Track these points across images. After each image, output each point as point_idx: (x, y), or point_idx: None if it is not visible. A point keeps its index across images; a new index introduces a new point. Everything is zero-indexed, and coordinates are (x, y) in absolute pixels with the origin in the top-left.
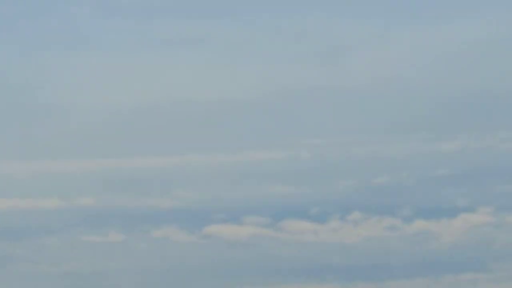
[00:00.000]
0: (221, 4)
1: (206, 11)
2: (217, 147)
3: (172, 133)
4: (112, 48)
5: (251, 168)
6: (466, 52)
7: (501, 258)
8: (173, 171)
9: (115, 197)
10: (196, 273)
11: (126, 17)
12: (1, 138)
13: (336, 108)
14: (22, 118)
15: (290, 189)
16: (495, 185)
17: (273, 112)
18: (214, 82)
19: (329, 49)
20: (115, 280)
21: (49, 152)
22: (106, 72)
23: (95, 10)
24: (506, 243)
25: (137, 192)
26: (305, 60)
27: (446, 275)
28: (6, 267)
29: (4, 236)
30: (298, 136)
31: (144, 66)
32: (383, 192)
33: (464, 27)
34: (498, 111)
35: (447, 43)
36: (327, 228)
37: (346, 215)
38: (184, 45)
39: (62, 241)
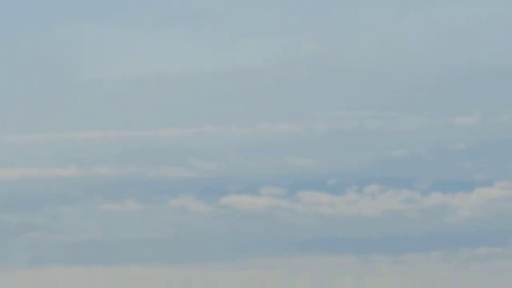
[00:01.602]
0: None
1: None
2: (234, 119)
3: (190, 104)
4: (133, 21)
5: (268, 139)
6: (483, 26)
7: None
8: (191, 142)
9: (133, 167)
10: (213, 243)
11: None
12: (22, 109)
13: (352, 81)
14: (44, 89)
15: (307, 160)
16: None
17: (288, 84)
18: (230, 53)
19: (344, 19)
20: (132, 249)
21: (69, 122)
22: (126, 45)
23: None
24: None
25: (155, 162)
26: (319, 30)
27: (462, 248)
28: (23, 236)
29: (22, 205)
30: (315, 109)
31: (163, 40)
32: (400, 165)
33: (480, 1)
34: None
35: (462, 17)
36: (344, 200)
37: (363, 188)
38: (195, 18)
39: (80, 210)
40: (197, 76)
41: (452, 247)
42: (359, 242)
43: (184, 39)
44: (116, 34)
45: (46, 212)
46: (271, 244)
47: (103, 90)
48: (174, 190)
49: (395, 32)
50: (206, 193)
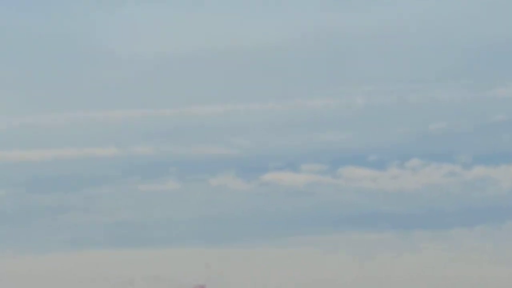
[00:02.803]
0: None
1: None
2: (272, 95)
3: (224, 81)
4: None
5: (305, 115)
6: None
7: None
8: (229, 119)
9: (172, 146)
10: (254, 221)
11: None
12: (57, 88)
13: (389, 54)
14: (78, 67)
15: (346, 136)
16: None
17: (325, 58)
18: (264, 28)
19: None
20: (171, 229)
21: (106, 101)
22: (160, 23)
23: None
24: None
25: (193, 141)
26: (356, 2)
27: (506, 221)
28: (61, 217)
29: (60, 185)
30: (352, 82)
31: (195, 17)
32: (441, 138)
33: None
34: None
35: None
36: (386, 175)
37: (404, 162)
38: None
39: (118, 190)
40: (231, 52)
41: (496, 220)
42: (400, 218)
43: (217, 15)
44: (150, 11)
45: (83, 193)
46: (311, 222)
47: (139, 68)
48: (213, 169)
49: (435, 4)
50: (246, 170)
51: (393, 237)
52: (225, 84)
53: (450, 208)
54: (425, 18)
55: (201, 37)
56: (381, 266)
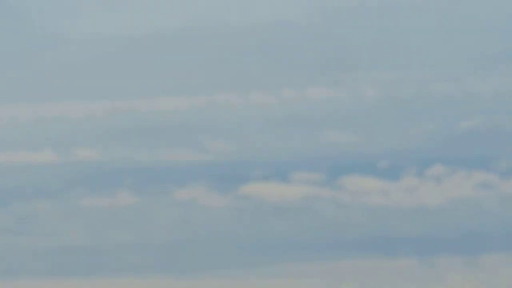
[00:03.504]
0: None
1: None
2: (255, 84)
3: (198, 66)
4: None
5: (300, 110)
6: None
7: None
8: (201, 115)
9: (125, 149)
10: (232, 245)
11: None
12: None
13: (408, 32)
14: (12, 51)
15: (352, 136)
16: None
17: (327, 39)
18: (250, 2)
19: None
20: (126, 256)
21: (40, 93)
22: None
23: None
24: None
25: (154, 142)
26: None
27: None
28: None
29: None
30: (361, 69)
31: None
32: (473, 139)
33: None
34: None
35: None
36: (401, 187)
37: (424, 170)
38: None
39: (57, 206)
40: (206, 32)
41: None
42: (421, 241)
43: None
44: None
45: (14, 210)
46: (308, 245)
47: (85, 51)
48: (180, 178)
49: None
50: (222, 181)
51: (412, 265)
52: (198, 70)
53: (484, 228)
54: None
55: (169, 14)
56: None
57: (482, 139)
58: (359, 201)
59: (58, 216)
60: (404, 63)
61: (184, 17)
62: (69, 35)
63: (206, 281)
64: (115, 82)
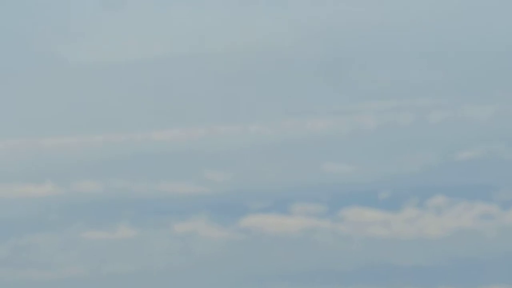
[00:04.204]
0: None
1: None
2: (256, 115)
3: (200, 96)
4: None
5: (299, 140)
6: None
7: None
8: (199, 147)
9: (124, 181)
10: (232, 278)
11: None
12: None
13: (407, 59)
14: (11, 79)
15: (351, 167)
16: None
17: (324, 66)
18: (247, 26)
19: None
20: (126, 287)
21: (39, 125)
22: (111, 23)
23: None
24: None
25: (154, 175)
26: None
27: None
28: None
29: None
30: (359, 98)
31: (160, 16)
32: (473, 168)
33: None
34: None
35: None
36: (401, 218)
37: (425, 200)
38: None
39: (57, 239)
40: (203, 59)
41: None
42: (421, 272)
43: (187, 13)
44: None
45: (11, 244)
46: (308, 277)
47: (82, 79)
48: (179, 211)
49: None
50: (221, 213)
51: None
52: (196, 101)
53: (484, 259)
54: (451, 14)
55: (166, 41)
56: None
57: (481, 168)
58: (360, 232)
59: (56, 249)
60: (403, 90)
61: (180, 42)
62: (66, 63)
63: None
64: (112, 113)
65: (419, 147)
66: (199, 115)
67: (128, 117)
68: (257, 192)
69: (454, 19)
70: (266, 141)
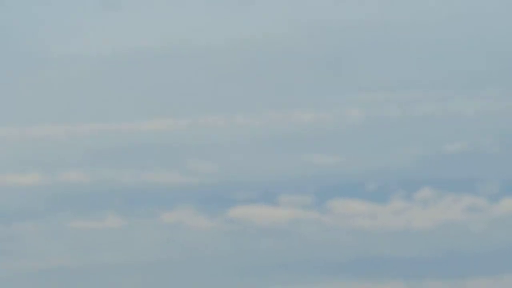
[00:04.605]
0: None
1: None
2: (242, 106)
3: (183, 88)
4: None
5: (286, 132)
6: None
7: None
8: (186, 137)
9: (111, 171)
10: (218, 268)
11: None
12: None
13: (395, 52)
14: None
15: (338, 159)
16: None
17: (311, 59)
18: (234, 20)
19: None
20: (113, 277)
21: (25, 114)
22: (98, 14)
23: None
24: None
25: (141, 165)
26: None
27: None
28: None
29: None
30: (345, 90)
31: (146, 7)
32: (461, 162)
33: None
34: None
35: None
36: (389, 210)
37: (412, 193)
38: None
39: (44, 228)
40: (190, 51)
41: None
42: (409, 264)
43: (173, 5)
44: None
45: None
46: (295, 268)
47: (69, 71)
48: (166, 201)
49: None
50: (209, 203)
51: None
52: (183, 92)
53: (471, 252)
54: (439, 9)
55: (156, 32)
56: None
57: (469, 161)
58: (347, 224)
59: (43, 238)
60: (389, 83)
61: (168, 35)
62: (53, 53)
63: None
64: (98, 103)
65: (406, 139)
66: (186, 106)
67: (115, 108)
68: (244, 183)
69: (443, 15)
70: (253, 132)
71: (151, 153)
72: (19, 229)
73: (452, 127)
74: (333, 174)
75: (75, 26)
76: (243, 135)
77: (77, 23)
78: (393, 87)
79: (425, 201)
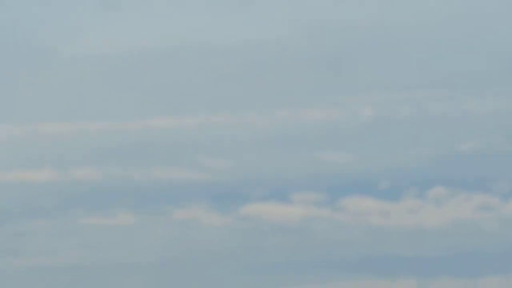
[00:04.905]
0: None
1: None
2: (255, 104)
3: (199, 85)
4: None
5: (298, 130)
6: None
7: None
8: (200, 135)
9: (124, 168)
10: (232, 265)
11: None
12: None
13: (406, 53)
14: (6, 69)
15: (350, 157)
16: None
17: (322, 58)
18: (245, 20)
19: None
20: (125, 275)
21: (38, 111)
22: (108, 14)
23: None
24: None
25: (153, 161)
26: None
27: None
28: None
29: None
30: (358, 89)
31: (156, 6)
32: (473, 161)
33: None
34: None
35: None
36: (401, 208)
37: (425, 191)
38: None
39: (56, 225)
40: (203, 50)
41: None
42: (421, 262)
43: (184, 5)
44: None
45: (10, 230)
46: (307, 266)
47: (81, 70)
48: (179, 198)
49: None
50: (222, 200)
51: (411, 286)
52: (196, 89)
53: (483, 250)
54: (450, 7)
55: (164, 32)
56: None
57: (481, 161)
58: (359, 221)
59: (55, 235)
60: (402, 82)
61: (179, 35)
62: (62, 53)
63: None
64: (108, 102)
65: (419, 138)
66: (195, 105)
67: (125, 106)
68: (257, 180)
69: (455, 15)
70: (264, 130)
71: (163, 150)
72: (30, 225)
73: (464, 125)
74: (345, 172)
75: (77, 26)
76: (254, 133)
77: (80, 23)
78: (407, 86)
79: (437, 199)
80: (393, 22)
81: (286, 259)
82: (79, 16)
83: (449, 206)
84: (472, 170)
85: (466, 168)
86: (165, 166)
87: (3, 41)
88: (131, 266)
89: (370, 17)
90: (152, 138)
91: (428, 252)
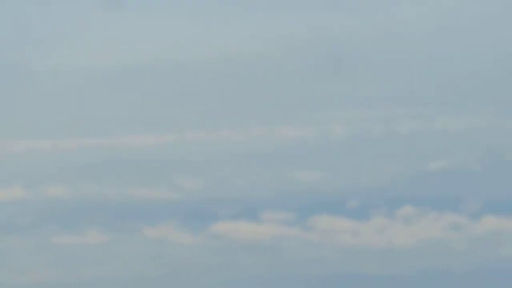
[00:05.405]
0: None
1: None
2: (226, 122)
3: (168, 104)
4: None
5: (269, 148)
6: None
7: None
8: (170, 153)
9: (95, 186)
10: (202, 283)
11: None
12: None
13: (378, 69)
14: None
15: (320, 175)
16: None
17: (295, 75)
18: (217, 35)
19: None
20: None
21: (9, 130)
22: (82, 28)
23: None
24: None
25: (125, 180)
26: (332, 4)
27: None
28: None
29: None
30: (329, 107)
31: (130, 22)
32: (442, 180)
33: None
34: None
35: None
36: (370, 227)
37: (394, 210)
38: None
39: (27, 243)
40: (174, 67)
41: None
42: (390, 280)
43: (158, 19)
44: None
45: None
46: (277, 284)
47: (53, 85)
48: (150, 216)
49: (438, 4)
50: (192, 219)
51: None
52: (167, 108)
53: (452, 269)
54: (424, 23)
55: (139, 48)
56: None
57: (450, 180)
58: (328, 240)
59: (27, 253)
60: (373, 99)
61: (153, 51)
62: (34, 68)
63: None
64: (82, 119)
65: (390, 157)
66: (171, 122)
67: (100, 123)
68: (228, 199)
69: (429, 32)
70: (237, 148)
71: (135, 168)
72: (2, 243)
73: (434, 144)
74: (315, 191)
75: (51, 41)
76: (228, 151)
77: (54, 38)
78: (378, 103)
79: (407, 218)
80: (365, 38)
81: (256, 277)
82: (53, 32)
83: (418, 225)
84: (442, 189)
85: (436, 187)
86: (138, 184)
87: None
88: (103, 284)
89: (345, 33)
90: (125, 156)
91: (397, 270)
